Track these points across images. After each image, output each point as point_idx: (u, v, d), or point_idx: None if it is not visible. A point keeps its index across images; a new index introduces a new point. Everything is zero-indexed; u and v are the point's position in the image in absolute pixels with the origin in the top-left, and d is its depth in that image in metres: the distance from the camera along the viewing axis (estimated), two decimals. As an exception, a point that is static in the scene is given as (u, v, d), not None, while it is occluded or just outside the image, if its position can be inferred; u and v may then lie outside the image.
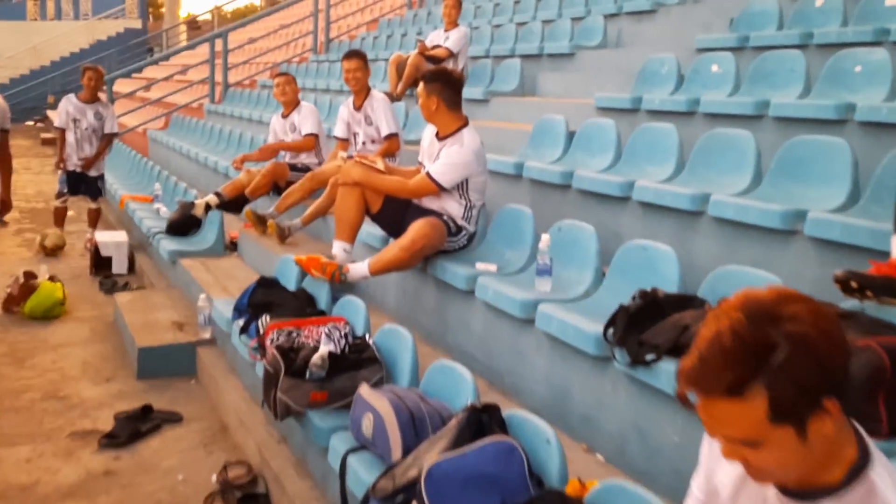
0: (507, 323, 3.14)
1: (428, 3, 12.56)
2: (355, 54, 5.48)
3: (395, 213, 3.94)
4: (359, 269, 3.75)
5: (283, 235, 5.07)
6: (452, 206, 3.82)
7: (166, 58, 15.50)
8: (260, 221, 5.30)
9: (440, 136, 3.90)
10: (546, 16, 7.83)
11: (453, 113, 3.87)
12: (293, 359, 2.94)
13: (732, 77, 4.36)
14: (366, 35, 11.92)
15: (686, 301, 2.47)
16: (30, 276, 5.46)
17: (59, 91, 27.08)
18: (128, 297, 5.24)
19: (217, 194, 5.79)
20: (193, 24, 28.08)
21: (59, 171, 7.24)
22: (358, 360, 2.97)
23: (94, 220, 7.46)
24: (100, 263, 6.53)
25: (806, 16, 4.71)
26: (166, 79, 14.01)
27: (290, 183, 5.75)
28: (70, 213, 7.52)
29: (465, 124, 3.88)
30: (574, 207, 4.00)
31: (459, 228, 3.83)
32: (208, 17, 31.06)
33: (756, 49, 4.63)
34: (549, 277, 3.19)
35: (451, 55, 7.13)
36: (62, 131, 7.17)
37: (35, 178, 12.26)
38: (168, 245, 5.68)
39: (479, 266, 3.56)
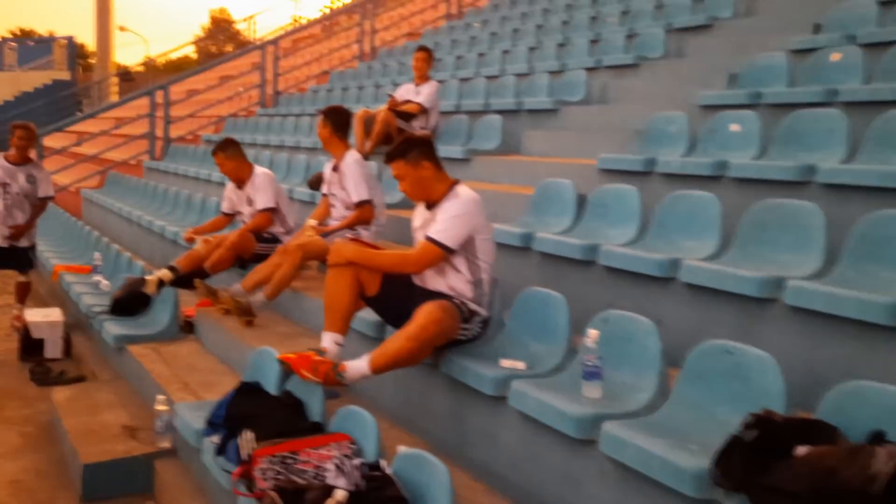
0: (555, 441, 2.59)
1: (380, 56, 12.20)
2: (322, 112, 4.96)
3: (395, 295, 3.38)
4: (357, 366, 3.15)
5: (247, 314, 4.43)
6: (460, 283, 3.29)
7: (102, 111, 14.66)
8: (213, 297, 4.64)
9: (431, 205, 3.39)
10: (517, 69, 7.48)
11: (441, 174, 3.40)
12: (298, 504, 2.32)
13: (757, 137, 3.98)
14: (317, 88, 11.42)
15: (813, 429, 1.97)
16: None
17: (-20, 145, 25.67)
18: (66, 394, 4.49)
19: (171, 268, 5.10)
20: (126, 76, 27.12)
21: (-15, 245, 6.42)
22: (379, 499, 2.37)
23: (23, 294, 6.61)
24: (30, 347, 5.71)
25: (821, 71, 4.40)
26: (102, 133, 13.17)
27: (256, 255, 5.12)
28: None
29: (456, 182, 3.41)
30: (601, 288, 3.51)
31: (472, 313, 3.28)
32: (140, 69, 30.20)
33: (773, 107, 4.28)
34: (599, 382, 2.66)
35: (423, 110, 6.67)
36: (-13, 198, 6.38)
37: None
38: (113, 329, 4.95)
39: (505, 363, 3.01)
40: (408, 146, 3.37)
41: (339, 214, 4.99)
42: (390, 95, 6.86)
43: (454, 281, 3.29)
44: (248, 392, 3.21)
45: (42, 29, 68.50)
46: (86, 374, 5.34)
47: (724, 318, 2.94)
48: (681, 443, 2.21)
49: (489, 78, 7.61)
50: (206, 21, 76.72)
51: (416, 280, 3.39)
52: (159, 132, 11.43)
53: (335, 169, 4.95)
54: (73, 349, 5.84)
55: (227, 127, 11.63)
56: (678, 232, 3.43)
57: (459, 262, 3.28)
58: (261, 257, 5.12)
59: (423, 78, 6.86)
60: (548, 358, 3.01)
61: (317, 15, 21.04)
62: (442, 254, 3.22)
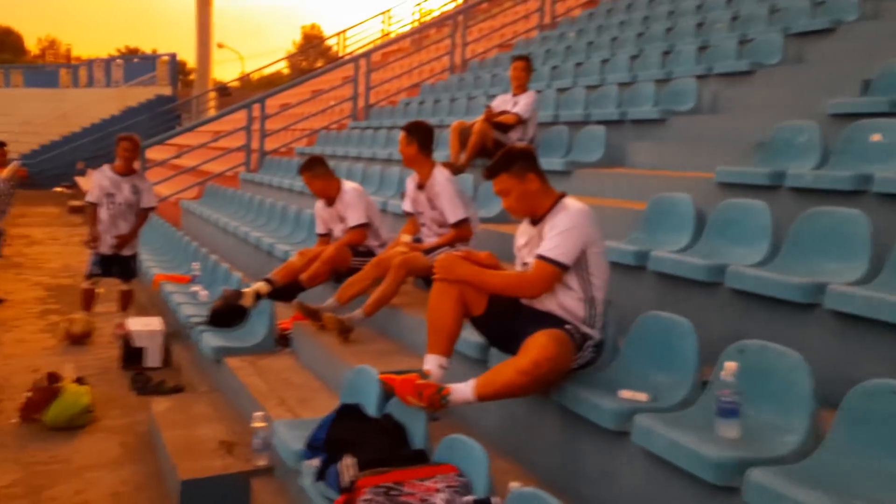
0: (688, 486, 2.33)
1: (472, 68, 12.08)
2: (404, 128, 4.81)
3: (502, 315, 3.18)
4: (462, 392, 2.96)
5: (345, 331, 4.32)
6: (572, 302, 3.06)
7: (201, 124, 15.10)
8: (313, 317, 4.56)
9: (537, 220, 3.18)
10: (618, 78, 7.20)
11: (547, 187, 3.19)
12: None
13: (903, 149, 3.59)
14: (408, 100, 11.39)
15: None
16: (53, 378, 4.72)
17: (88, 157, 27.04)
18: (165, 405, 4.48)
19: (267, 280, 5.07)
20: (224, 92, 28.03)
21: (91, 252, 6.58)
22: (494, 542, 2.16)
23: (126, 303, 6.76)
24: (131, 356, 5.79)
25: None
26: (201, 146, 13.56)
27: (352, 269, 5.02)
28: (100, 290, 6.83)
29: (563, 194, 3.19)
30: (727, 313, 3.22)
31: (584, 337, 3.05)
32: (236, 84, 31.18)
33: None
34: (736, 421, 2.38)
35: (521, 121, 6.47)
36: (94, 207, 6.54)
37: (62, 251, 11.68)
38: (211, 341, 4.94)
39: (625, 394, 2.77)
40: (510, 159, 3.16)
41: (431, 232, 4.83)
42: (487, 106, 6.69)
43: (566, 299, 3.07)
44: (348, 414, 3.07)
45: (147, 47, 72.00)
46: (184, 385, 5.36)
47: (879, 352, 2.61)
48: (845, 498, 1.92)
49: (589, 88, 7.35)
50: (298, 37, 78.98)
51: (525, 299, 3.19)
52: (255, 145, 11.63)
53: (420, 187, 4.80)
54: (172, 358, 5.89)
55: (320, 140, 11.74)
56: (818, 253, 3.10)
57: (571, 278, 3.06)
58: (356, 271, 5.02)
59: (521, 88, 6.66)
60: (673, 390, 2.74)
61: (406, 29, 21.17)
62: (558, 272, 3.00)
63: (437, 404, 2.95)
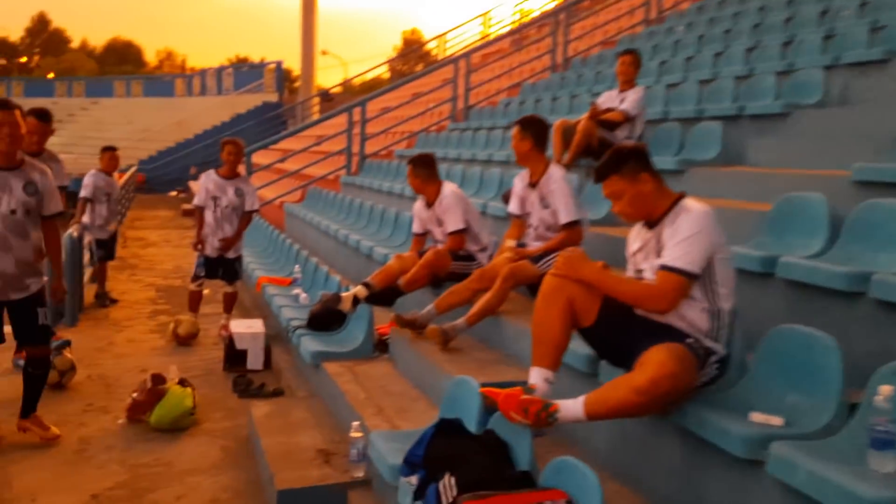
0: (837, 528, 2.02)
1: (574, 66, 11.76)
2: (518, 123, 4.60)
3: (615, 326, 2.93)
4: (571, 409, 2.73)
5: (445, 340, 4.16)
6: (695, 313, 2.78)
7: (303, 129, 15.39)
8: (411, 327, 4.43)
9: (653, 223, 2.90)
10: (734, 71, 6.76)
11: (663, 187, 2.92)
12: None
13: None
14: (508, 101, 11.18)
15: None
16: (158, 379, 4.79)
17: (200, 163, 28.21)
18: (264, 410, 4.45)
19: (366, 285, 4.98)
20: (326, 97, 28.64)
21: (197, 255, 6.71)
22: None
23: (230, 304, 6.86)
24: (234, 357, 5.85)
25: None
26: (303, 150, 13.81)
27: (451, 274, 4.88)
28: (206, 291, 6.96)
29: (682, 195, 2.91)
30: (871, 328, 2.85)
31: (708, 352, 2.76)
32: (338, 90, 31.79)
33: None
34: (893, 453, 2.06)
35: (628, 119, 6.15)
36: (201, 210, 6.67)
37: (173, 252, 12.12)
38: (310, 345, 4.89)
39: (756, 418, 2.47)
40: (621, 158, 2.90)
41: (537, 235, 4.61)
42: (593, 103, 6.40)
43: (688, 310, 2.79)
44: (448, 430, 2.89)
45: (256, 56, 74.87)
46: (283, 388, 5.35)
47: None
48: None
49: (701, 82, 6.93)
50: (398, 42, 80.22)
51: (638, 310, 2.92)
52: (355, 148, 11.71)
53: (533, 185, 4.58)
54: (272, 361, 5.91)
55: (420, 142, 11.70)
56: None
57: (694, 287, 2.78)
58: (455, 275, 4.87)
59: (628, 83, 6.34)
60: (813, 414, 2.42)
61: (506, 30, 20.96)
62: (686, 283, 2.73)
63: (543, 422, 2.73)
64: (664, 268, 2.75)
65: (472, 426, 3.02)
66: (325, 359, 4.74)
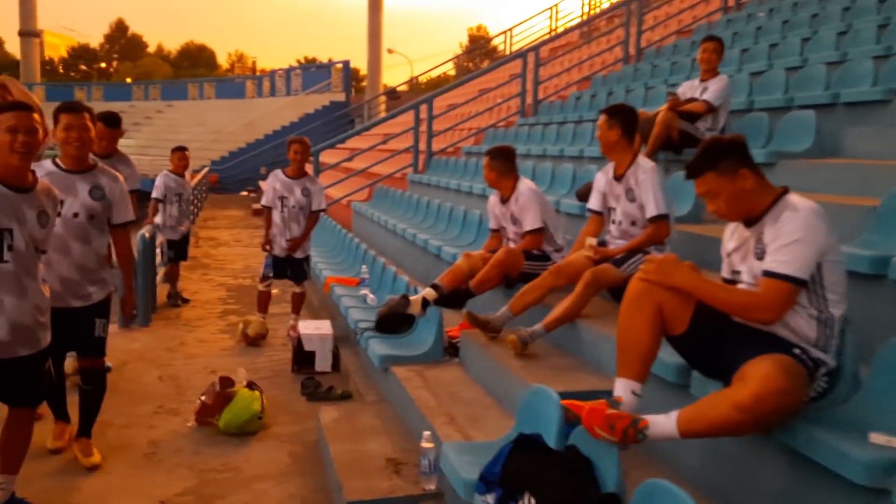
0: None
1: (647, 57, 11.36)
2: (606, 111, 4.33)
3: (710, 334, 2.67)
4: (662, 426, 2.49)
5: (522, 347, 3.95)
6: (801, 321, 2.51)
7: (370, 127, 15.37)
8: (485, 328, 4.24)
9: (752, 221, 2.63)
10: (824, 57, 6.33)
11: (765, 182, 2.64)
12: None
13: None
14: (579, 94, 10.87)
15: None
16: (226, 382, 4.73)
17: (270, 163, 28.65)
18: (333, 415, 4.32)
19: (434, 287, 4.81)
20: (393, 95, 28.70)
21: (265, 255, 6.67)
22: None
23: (298, 305, 6.80)
24: (302, 359, 5.77)
25: None
26: (370, 149, 13.78)
27: (524, 274, 4.67)
28: (274, 291, 6.93)
29: (785, 190, 2.62)
30: None
31: (816, 363, 2.48)
32: (404, 88, 31.85)
33: None
34: None
35: (711, 109, 5.81)
36: (269, 210, 6.62)
37: (244, 252, 12.24)
38: (378, 348, 4.75)
39: (876, 439, 2.19)
40: (718, 153, 2.62)
41: (620, 232, 4.35)
42: (672, 94, 6.08)
43: (794, 317, 2.51)
44: (527, 446, 2.69)
45: (324, 57, 75.94)
46: (351, 391, 5.23)
47: None
48: None
49: (788, 70, 6.52)
50: (464, 39, 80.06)
51: (735, 317, 2.65)
52: (422, 146, 11.58)
53: (619, 178, 4.32)
54: (340, 362, 5.81)
55: (487, 138, 11.50)
56: None
57: (801, 293, 2.50)
58: (528, 276, 4.65)
59: (710, 72, 5.99)
60: (945, 438, 2.12)
61: (574, 23, 20.52)
62: (795, 290, 2.46)
63: (631, 438, 2.50)
64: (769, 274, 2.48)
65: (551, 440, 2.81)
66: (394, 363, 4.59)
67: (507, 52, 23.68)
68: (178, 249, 8.08)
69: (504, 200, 4.97)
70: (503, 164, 4.93)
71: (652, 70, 9.94)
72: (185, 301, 8.13)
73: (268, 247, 6.60)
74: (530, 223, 4.76)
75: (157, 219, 7.83)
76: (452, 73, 40.64)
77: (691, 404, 2.50)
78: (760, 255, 2.59)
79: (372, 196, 11.74)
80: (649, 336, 2.71)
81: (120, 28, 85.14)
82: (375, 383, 5.07)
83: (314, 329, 5.91)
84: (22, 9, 49.29)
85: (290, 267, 6.64)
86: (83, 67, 77.18)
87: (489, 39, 47.77)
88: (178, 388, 5.31)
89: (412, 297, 4.76)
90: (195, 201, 16.69)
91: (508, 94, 13.73)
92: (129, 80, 55.78)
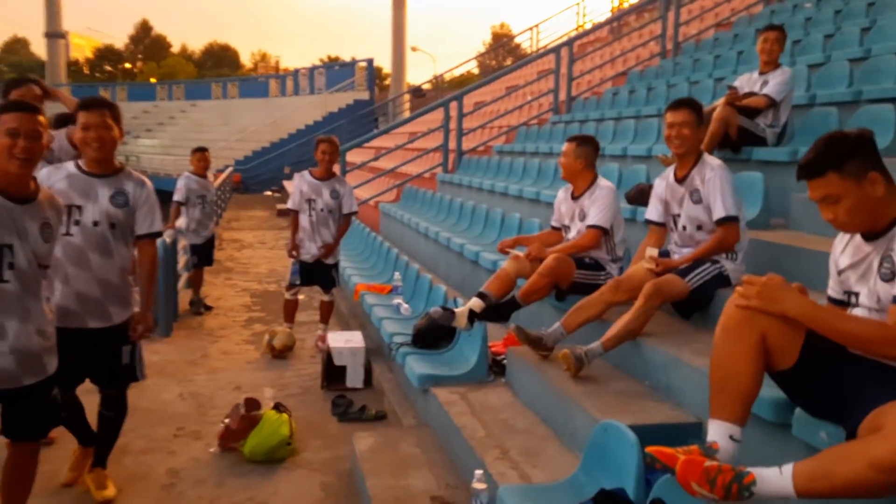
0: None
1: (686, 50, 10.87)
2: (685, 104, 3.91)
3: (825, 370, 2.25)
4: (773, 482, 2.07)
5: (578, 367, 3.54)
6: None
7: (397, 126, 14.96)
8: (536, 346, 3.84)
9: (875, 235, 2.21)
10: (890, 47, 5.84)
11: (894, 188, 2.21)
12: None
13: None
14: (615, 90, 10.41)
15: None
16: (252, 404, 4.37)
17: (294, 162, 28.43)
18: (369, 442, 3.94)
19: (482, 295, 4.40)
20: (418, 93, 28.35)
21: (292, 261, 6.32)
22: None
23: (327, 314, 6.44)
24: (332, 374, 5.40)
25: None
26: (398, 148, 13.41)
27: (576, 285, 4.26)
28: (301, 297, 6.57)
29: None
30: None
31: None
32: (428, 86, 31.47)
33: None
34: None
35: (772, 104, 5.35)
36: (295, 214, 6.26)
37: (269, 255, 11.93)
38: (417, 367, 4.36)
39: None
40: (846, 151, 2.21)
41: (684, 239, 3.93)
42: (731, 87, 5.62)
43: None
44: (608, 501, 2.28)
45: (347, 56, 75.92)
46: (386, 411, 4.86)
47: None
48: None
49: (851, 61, 6.04)
50: (487, 37, 79.58)
51: (853, 348, 2.23)
52: (452, 144, 11.18)
53: (681, 180, 3.90)
54: (373, 378, 5.44)
55: (520, 136, 11.08)
56: None
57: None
58: (581, 287, 4.25)
59: (771, 64, 5.52)
60: None
61: (603, 18, 20.03)
62: None
63: (734, 496, 2.09)
64: None
65: (629, 490, 2.41)
66: (435, 383, 4.20)
67: (533, 49, 23.23)
68: (202, 254, 7.73)
69: (576, 196, 4.55)
70: (590, 153, 4.51)
71: (693, 64, 9.47)
72: (209, 308, 7.81)
73: (294, 252, 6.24)
74: (597, 218, 4.33)
75: (180, 222, 7.51)
76: (476, 71, 40.24)
77: (810, 458, 2.08)
78: (889, 277, 2.17)
79: (400, 197, 11.37)
80: (750, 371, 2.29)
81: (144, 29, 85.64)
82: (413, 403, 4.69)
83: (344, 342, 5.54)
84: (47, 10, 49.68)
85: (318, 274, 6.28)
86: (108, 68, 77.74)
87: (513, 37, 47.32)
88: (200, 407, 4.96)
89: (457, 310, 4.36)
90: (219, 202, 16.45)
91: (538, 92, 13.31)
92: (153, 80, 56.01)
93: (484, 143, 11.78)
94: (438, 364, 4.42)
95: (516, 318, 4.41)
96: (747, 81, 5.64)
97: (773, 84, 5.39)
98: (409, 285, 6.25)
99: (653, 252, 3.87)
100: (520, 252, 4.50)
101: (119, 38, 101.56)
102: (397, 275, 6.34)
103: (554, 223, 4.74)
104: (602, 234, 4.33)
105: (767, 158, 5.21)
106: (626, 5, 21.18)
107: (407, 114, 27.04)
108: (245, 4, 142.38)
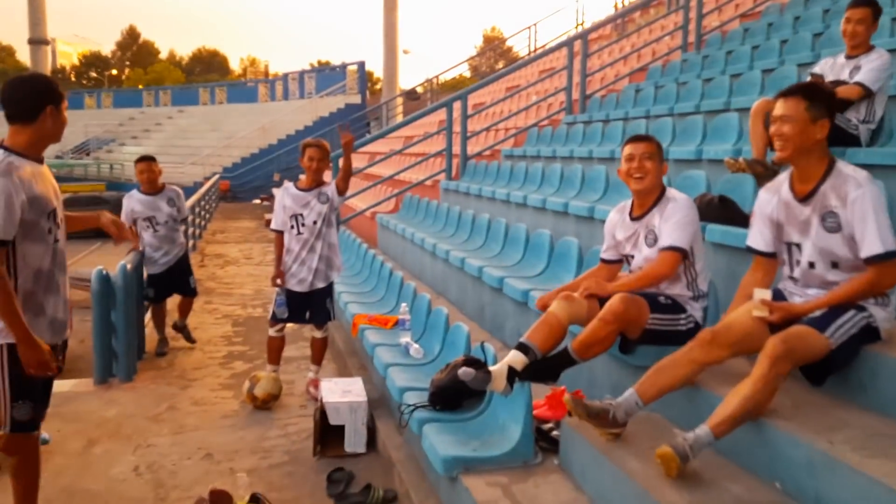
0: None
1: (712, 42, 9.87)
2: (798, 91, 2.86)
3: None
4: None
5: (682, 462, 2.49)
6: None
7: (399, 127, 13.75)
8: (601, 422, 2.80)
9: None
10: None
11: None
12: None
13: None
14: (637, 86, 9.39)
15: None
16: (220, 498, 3.30)
17: (283, 169, 27.37)
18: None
19: (523, 347, 3.31)
20: (412, 96, 27.31)
21: (277, 291, 5.24)
22: None
23: (320, 354, 5.35)
24: (327, 436, 4.34)
25: None
26: (398, 152, 12.36)
27: (649, 333, 3.20)
28: (289, 326, 5.42)
29: None
30: None
31: None
32: (420, 90, 30.44)
33: None
34: None
35: (867, 94, 4.32)
36: (279, 235, 5.20)
37: (255, 273, 10.83)
38: (440, 444, 3.29)
39: None
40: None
41: (808, 278, 2.87)
42: (813, 74, 4.60)
43: None
44: None
45: (337, 61, 74.91)
46: (397, 492, 3.79)
47: None
48: None
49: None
50: (477, 41, 78.69)
51: None
52: (456, 149, 10.13)
53: (805, 198, 2.84)
54: (376, 439, 4.38)
55: (531, 139, 10.05)
56: None
57: None
58: (656, 335, 3.21)
59: (860, 47, 4.50)
60: None
61: (610, 14, 19.06)
62: None
63: None
64: None
65: None
66: (466, 467, 3.14)
67: (532, 49, 22.23)
68: (160, 286, 6.38)
69: (637, 215, 3.49)
70: (660, 153, 3.45)
71: (727, 56, 8.45)
72: (163, 353, 6.37)
73: (279, 280, 5.17)
74: (673, 237, 3.26)
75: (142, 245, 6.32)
76: (468, 75, 39.24)
77: None
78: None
79: (400, 207, 10.31)
80: None
81: (132, 35, 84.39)
82: (434, 485, 3.62)
83: (341, 394, 4.47)
84: (31, 17, 48.51)
85: (310, 305, 5.21)
86: (94, 75, 76.41)
87: (503, 41, 46.38)
88: (158, 489, 3.86)
89: (493, 369, 3.28)
90: (202, 213, 15.36)
91: (543, 91, 12.34)
92: (140, 86, 54.80)
93: (490, 146, 10.74)
94: (467, 437, 3.36)
95: (568, 376, 3.36)
96: (831, 67, 4.61)
97: (867, 70, 4.35)
98: (418, 318, 5.17)
99: (763, 294, 2.82)
100: (571, 293, 3.42)
101: (106, 45, 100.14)
102: (404, 307, 5.26)
103: (607, 255, 3.65)
104: (681, 258, 3.28)
105: (865, 161, 4.18)
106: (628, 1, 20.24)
107: (401, 117, 26.04)
108: (234, 11, 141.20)
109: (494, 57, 53.76)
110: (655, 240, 3.36)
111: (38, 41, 49.21)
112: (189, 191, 19.80)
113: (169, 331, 6.58)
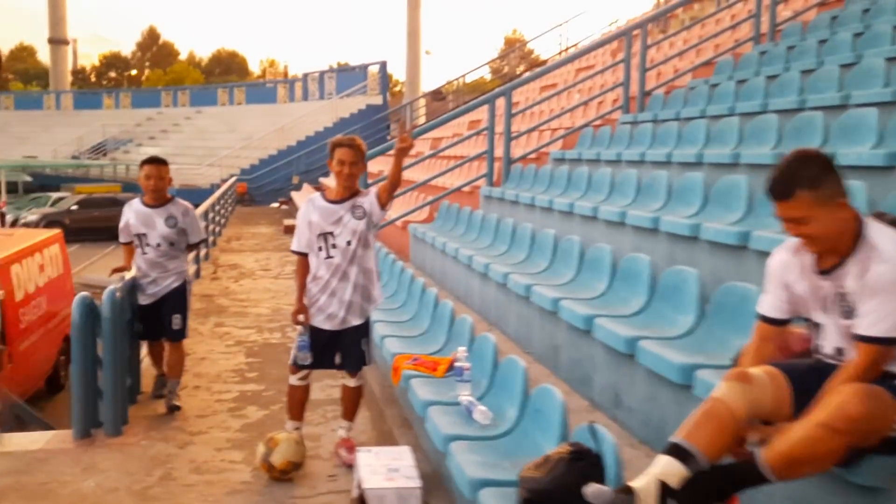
0: None
1: (788, 33, 8.69)
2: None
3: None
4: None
5: None
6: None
7: (436, 126, 12.55)
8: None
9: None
10: None
11: None
12: None
13: None
14: (706, 82, 8.22)
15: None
16: None
17: (303, 171, 26.39)
18: None
19: (680, 452, 2.16)
20: (438, 96, 26.25)
21: (300, 330, 4.11)
22: None
23: (353, 408, 4.21)
24: (366, 530, 3.22)
25: None
26: (430, 156, 11.27)
27: (891, 442, 2.05)
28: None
29: None
30: None
31: None
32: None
33: None
34: None
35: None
36: (303, 258, 4.08)
37: (272, 287, 9.74)
38: None
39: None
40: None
41: None
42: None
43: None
44: None
45: (356, 61, 74.10)
46: None
47: None
48: None
49: None
50: (499, 43, 77.65)
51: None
52: (498, 152, 9.01)
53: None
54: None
55: (583, 140, 8.90)
56: None
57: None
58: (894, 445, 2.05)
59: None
60: None
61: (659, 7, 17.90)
62: None
63: None
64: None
65: None
66: None
67: (563, 49, 21.13)
68: (150, 321, 5.05)
69: (827, 268, 2.26)
70: (817, 193, 2.25)
71: (819, 47, 7.28)
72: (174, 408, 5.02)
73: (301, 317, 4.05)
74: (881, 325, 2.12)
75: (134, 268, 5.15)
76: (488, 77, 38.12)
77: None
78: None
79: (435, 216, 9.20)
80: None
81: (152, 36, 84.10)
82: None
83: (386, 474, 3.35)
84: (51, 16, 48.14)
85: (340, 347, 4.08)
86: (113, 75, 76.14)
87: (524, 43, 45.29)
88: None
89: (638, 486, 2.13)
90: (217, 218, 14.33)
91: (587, 90, 11.24)
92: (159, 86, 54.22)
93: (535, 149, 9.61)
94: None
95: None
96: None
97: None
98: (479, 364, 4.02)
99: None
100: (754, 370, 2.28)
101: (127, 46, 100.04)
102: (462, 351, 4.10)
103: (774, 312, 2.48)
104: (891, 351, 2.11)
105: None
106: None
107: (423, 119, 25.00)
108: (253, 11, 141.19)
109: (517, 59, 52.64)
110: (851, 310, 2.19)
111: (57, 41, 48.76)
112: (206, 193, 18.90)
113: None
